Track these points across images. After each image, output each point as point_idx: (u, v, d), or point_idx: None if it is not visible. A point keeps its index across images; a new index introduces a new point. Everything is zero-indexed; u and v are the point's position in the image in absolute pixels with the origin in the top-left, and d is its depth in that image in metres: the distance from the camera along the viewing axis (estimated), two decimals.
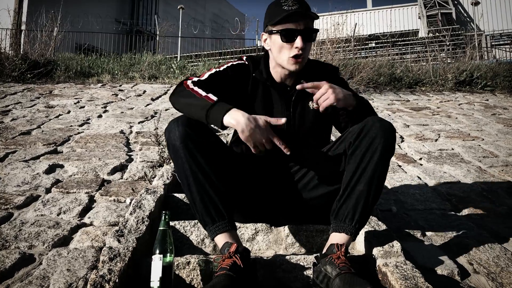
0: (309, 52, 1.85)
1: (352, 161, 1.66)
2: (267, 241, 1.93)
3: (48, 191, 2.50)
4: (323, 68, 1.96)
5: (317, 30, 1.80)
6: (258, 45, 14.62)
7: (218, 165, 1.69)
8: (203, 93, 1.68)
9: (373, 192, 1.63)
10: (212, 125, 1.66)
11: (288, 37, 1.74)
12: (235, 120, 1.56)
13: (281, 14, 1.72)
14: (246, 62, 1.95)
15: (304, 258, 1.70)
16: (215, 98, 1.64)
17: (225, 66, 1.91)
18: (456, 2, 22.99)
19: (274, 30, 1.77)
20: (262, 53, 1.99)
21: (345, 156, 1.72)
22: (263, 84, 1.91)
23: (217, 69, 1.89)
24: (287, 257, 1.70)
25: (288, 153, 1.59)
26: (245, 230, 1.92)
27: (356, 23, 12.04)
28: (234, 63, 1.94)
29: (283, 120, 1.60)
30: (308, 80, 1.81)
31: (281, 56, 1.79)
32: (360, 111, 1.76)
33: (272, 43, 1.81)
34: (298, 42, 1.72)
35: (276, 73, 1.89)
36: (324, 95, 1.65)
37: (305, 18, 1.74)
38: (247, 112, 1.61)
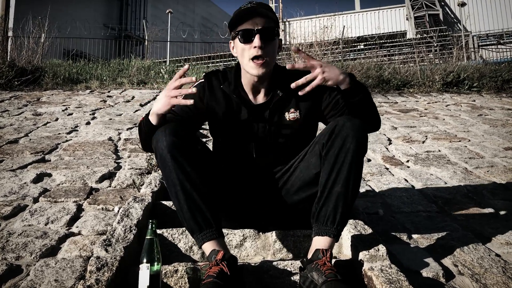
0: (274, 55, 1.80)
1: (327, 162, 1.68)
2: (255, 247, 1.94)
3: (35, 200, 2.49)
4: (296, 73, 1.77)
5: (275, 28, 1.76)
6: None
7: (205, 173, 1.71)
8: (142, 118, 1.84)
9: (351, 191, 1.65)
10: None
11: (245, 37, 1.74)
12: (154, 108, 1.75)
13: (237, 14, 1.75)
14: (203, 80, 1.93)
15: (291, 264, 1.72)
16: (143, 115, 1.84)
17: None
18: (443, 4, 23.23)
19: (234, 34, 1.79)
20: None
21: (320, 157, 1.73)
22: (226, 95, 1.88)
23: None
24: (274, 263, 1.72)
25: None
26: (233, 237, 1.93)
27: (344, 26, 12.13)
28: (195, 84, 1.85)
29: (186, 66, 1.72)
30: (284, 89, 1.82)
31: (243, 60, 1.79)
32: (357, 95, 1.74)
33: (236, 47, 1.82)
34: (256, 41, 1.71)
35: (245, 80, 1.87)
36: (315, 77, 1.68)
37: (262, 17, 1.74)
38: (222, 133, 1.90)
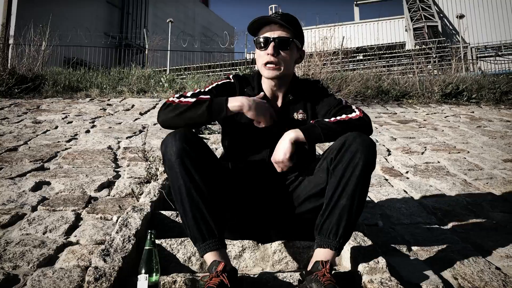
0: (289, 63, 1.91)
1: (334, 176, 1.68)
2: (254, 258, 1.93)
3: (34, 209, 2.48)
4: (308, 83, 2.06)
5: (290, 39, 1.86)
6: (247, 58, 14.72)
7: (212, 182, 1.70)
8: (193, 99, 1.75)
9: (356, 206, 1.64)
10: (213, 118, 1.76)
11: (261, 44, 1.87)
12: (238, 102, 1.73)
13: (256, 22, 1.88)
14: (232, 80, 2.02)
15: (290, 275, 1.71)
16: (207, 96, 1.76)
17: (209, 87, 1.96)
18: (442, 15, 23.40)
19: (255, 39, 1.90)
20: (251, 69, 2.06)
21: (328, 171, 1.74)
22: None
23: (201, 90, 1.93)
24: (274, 274, 1.71)
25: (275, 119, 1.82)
26: (232, 248, 1.92)
27: (343, 36, 12.19)
28: (219, 82, 2.00)
29: (261, 94, 1.87)
30: (296, 94, 1.96)
31: (258, 64, 1.93)
32: (319, 136, 1.76)
33: (256, 52, 1.94)
34: (270, 48, 1.84)
35: (266, 85, 1.98)
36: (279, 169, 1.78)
37: (280, 27, 1.85)
38: (234, 126, 1.85)
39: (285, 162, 1.74)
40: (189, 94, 1.86)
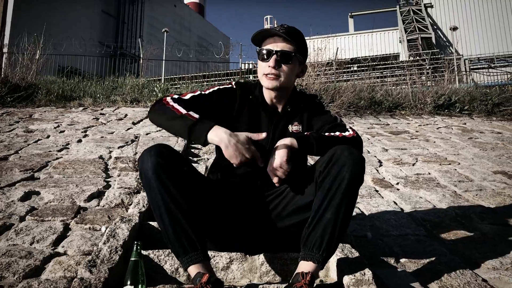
0: (290, 76, 1.92)
1: (321, 189, 1.69)
2: (242, 269, 1.93)
3: (22, 219, 2.47)
4: (306, 97, 2.08)
5: (292, 53, 1.87)
6: (242, 68, 14.78)
7: (191, 195, 1.70)
8: (183, 111, 1.73)
9: (341, 220, 1.65)
10: (193, 142, 1.72)
11: (264, 56, 1.88)
12: (218, 137, 1.64)
13: (260, 33, 1.90)
14: (234, 87, 2.02)
15: (277, 287, 1.71)
16: (196, 116, 1.71)
17: (211, 90, 1.97)
18: (435, 27, 23.66)
19: (258, 50, 1.91)
20: (245, 80, 2.08)
21: (316, 184, 1.75)
22: (252, 107, 1.98)
23: (202, 92, 1.94)
24: (260, 286, 1.71)
25: (262, 164, 1.72)
26: (219, 259, 1.92)
27: (337, 47, 12.27)
28: (221, 87, 2.01)
29: (263, 135, 1.72)
30: (294, 106, 1.98)
31: (259, 74, 1.94)
32: (312, 145, 1.78)
33: (258, 62, 1.95)
34: (271, 61, 1.85)
35: (266, 95, 1.99)
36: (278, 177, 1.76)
37: (283, 41, 1.87)
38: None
39: (284, 166, 1.72)
40: (188, 96, 1.88)
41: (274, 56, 1.85)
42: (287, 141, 1.76)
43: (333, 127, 1.92)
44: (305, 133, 1.84)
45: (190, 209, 1.66)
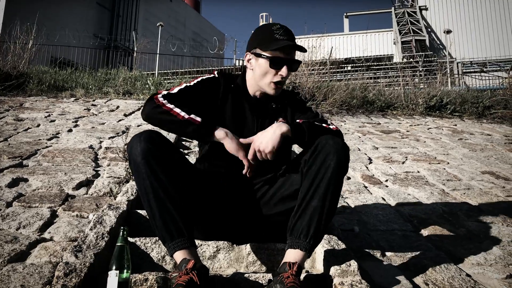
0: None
1: (307, 177, 1.70)
2: (229, 259, 1.93)
3: (9, 205, 2.45)
4: (288, 94, 2.11)
5: (300, 62, 1.93)
6: (236, 64, 14.76)
7: (180, 182, 1.71)
8: (184, 114, 1.75)
9: (327, 208, 1.66)
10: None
11: (276, 65, 1.85)
12: (221, 135, 1.76)
13: (275, 43, 1.83)
14: (217, 76, 2.03)
15: (263, 276, 1.71)
16: (199, 119, 1.75)
17: (195, 81, 1.98)
18: (429, 30, 23.78)
19: (264, 55, 1.86)
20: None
21: (302, 173, 1.76)
22: (236, 96, 1.99)
23: (188, 84, 1.94)
24: (246, 275, 1.71)
25: (249, 176, 1.82)
26: (206, 248, 1.92)
27: (332, 47, 12.30)
28: (204, 77, 2.02)
29: (251, 139, 1.78)
30: (278, 103, 2.00)
31: (263, 80, 1.90)
32: (304, 133, 1.79)
33: (258, 65, 1.90)
34: (284, 70, 1.85)
35: (252, 91, 1.99)
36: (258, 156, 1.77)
37: (294, 50, 1.88)
38: (218, 121, 1.83)
39: (270, 153, 1.72)
40: (176, 90, 1.88)
41: (286, 66, 1.85)
42: (284, 128, 1.74)
43: (317, 121, 1.92)
44: (298, 121, 1.84)
45: (178, 196, 1.66)
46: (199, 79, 1.99)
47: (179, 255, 1.61)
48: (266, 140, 1.73)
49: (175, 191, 1.66)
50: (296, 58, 1.91)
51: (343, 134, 1.93)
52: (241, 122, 1.97)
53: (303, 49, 1.86)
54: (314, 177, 1.67)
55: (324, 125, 1.87)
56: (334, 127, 1.90)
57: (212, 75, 2.03)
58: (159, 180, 1.64)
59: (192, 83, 1.96)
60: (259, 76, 1.91)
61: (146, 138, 1.66)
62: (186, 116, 1.74)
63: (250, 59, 1.95)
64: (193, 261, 1.55)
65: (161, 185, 1.64)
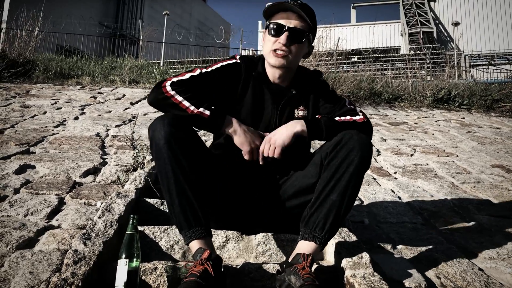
0: (298, 56, 1.86)
1: (328, 170, 1.66)
2: (238, 249, 1.91)
3: (16, 191, 2.44)
4: (309, 74, 1.99)
5: (305, 32, 1.80)
6: (243, 54, 14.67)
7: (200, 169, 1.67)
8: (194, 108, 1.69)
9: (346, 203, 1.63)
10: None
11: (275, 31, 1.79)
12: (231, 129, 1.73)
13: (276, 7, 1.78)
14: (239, 61, 1.93)
15: (273, 267, 1.69)
16: (208, 112, 1.70)
17: (213, 68, 1.89)
18: (437, 22, 23.54)
19: (268, 23, 1.82)
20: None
21: (321, 166, 1.72)
22: (257, 85, 1.90)
23: (204, 70, 1.86)
24: (256, 265, 1.69)
25: (261, 163, 1.76)
26: (215, 237, 1.90)
27: (339, 38, 12.19)
28: (224, 63, 1.92)
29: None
30: (299, 85, 1.91)
31: (265, 49, 1.85)
32: (322, 131, 1.75)
33: (265, 36, 1.85)
34: (283, 38, 1.77)
35: (270, 74, 1.90)
36: (266, 149, 1.74)
37: (298, 17, 1.78)
38: (234, 113, 1.78)
39: (278, 150, 1.71)
40: (187, 76, 1.81)
41: (286, 33, 1.76)
42: (298, 128, 1.72)
43: (344, 111, 1.86)
44: (317, 116, 1.79)
45: (199, 183, 1.63)
46: (218, 65, 1.90)
47: (195, 244, 1.58)
48: (279, 135, 1.72)
49: (196, 178, 1.62)
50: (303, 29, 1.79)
51: (371, 124, 1.86)
52: (259, 113, 1.90)
53: (296, 10, 1.75)
54: (335, 171, 1.64)
55: (348, 117, 1.81)
56: (361, 117, 1.82)
57: (234, 61, 1.93)
58: (181, 165, 1.59)
59: (209, 69, 1.87)
60: (264, 47, 1.86)
61: (170, 122, 1.61)
62: (195, 111, 1.68)
63: (264, 37, 1.89)
64: (208, 251, 1.52)
65: (182, 170, 1.60)
